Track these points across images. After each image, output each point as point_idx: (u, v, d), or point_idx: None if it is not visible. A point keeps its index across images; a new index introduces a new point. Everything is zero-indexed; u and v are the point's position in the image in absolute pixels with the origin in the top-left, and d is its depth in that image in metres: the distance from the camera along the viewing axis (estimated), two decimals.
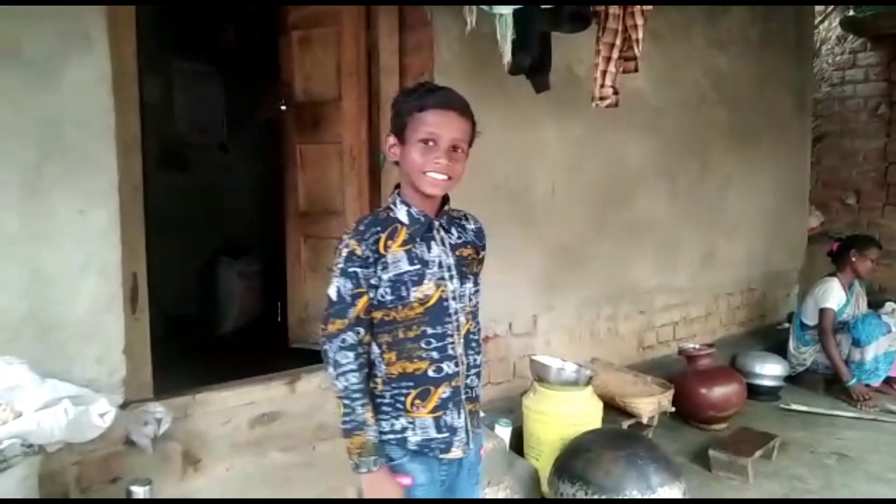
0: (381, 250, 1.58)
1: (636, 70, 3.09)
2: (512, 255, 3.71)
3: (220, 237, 4.79)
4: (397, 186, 1.68)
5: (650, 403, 3.49)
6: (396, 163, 1.65)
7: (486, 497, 2.78)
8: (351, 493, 2.52)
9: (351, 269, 1.57)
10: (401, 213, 1.63)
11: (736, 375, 4.02)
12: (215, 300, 4.63)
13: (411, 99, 1.62)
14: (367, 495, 1.62)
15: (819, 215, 6.37)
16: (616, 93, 3.04)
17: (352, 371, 1.57)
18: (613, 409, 3.47)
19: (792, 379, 4.58)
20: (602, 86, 3.01)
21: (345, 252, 1.58)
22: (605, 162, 4.20)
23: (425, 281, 1.60)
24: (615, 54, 3.01)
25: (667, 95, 4.54)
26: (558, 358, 3.26)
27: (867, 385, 4.37)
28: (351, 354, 1.57)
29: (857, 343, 4.36)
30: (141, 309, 2.64)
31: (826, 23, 6.59)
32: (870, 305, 4.79)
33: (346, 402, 1.57)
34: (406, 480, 1.63)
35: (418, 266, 1.60)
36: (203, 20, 4.63)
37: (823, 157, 6.42)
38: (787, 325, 5.10)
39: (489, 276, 3.76)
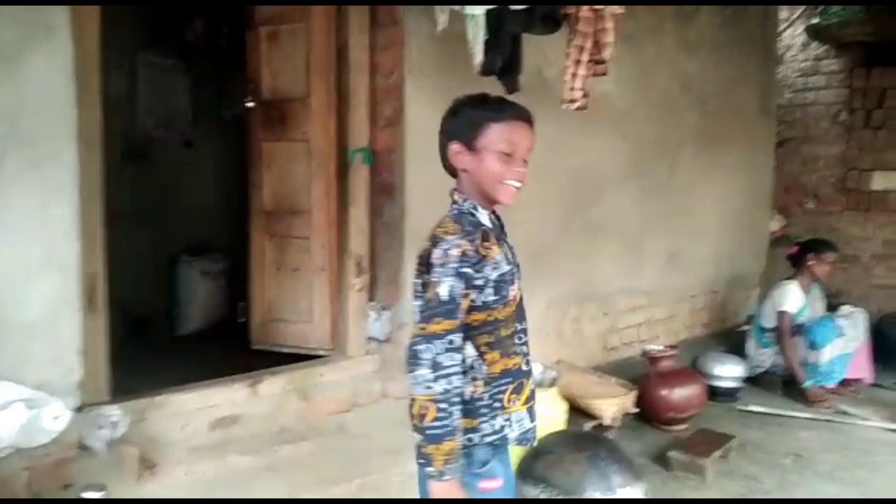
0: (483, 251, 1.60)
1: (605, 74, 3.12)
2: None
3: (184, 235, 4.69)
4: (454, 191, 1.71)
5: (613, 405, 3.53)
6: (452, 170, 1.70)
7: None
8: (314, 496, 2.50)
9: (462, 270, 1.55)
10: (483, 217, 1.68)
11: (697, 377, 4.08)
12: (177, 299, 4.55)
13: (485, 109, 1.65)
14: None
15: (781, 219, 6.49)
16: (585, 96, 3.06)
17: (457, 374, 1.52)
18: (577, 410, 3.50)
19: (751, 380, 4.66)
20: (572, 88, 3.03)
21: (456, 252, 1.55)
22: (573, 163, 4.22)
23: (516, 280, 1.70)
24: (585, 58, 3.02)
25: (636, 98, 4.58)
26: None
27: (822, 387, 4.47)
28: (458, 357, 1.53)
29: (813, 345, 4.46)
30: (99, 308, 2.58)
31: (791, 29, 6.71)
32: (827, 308, 4.90)
33: (444, 405, 1.49)
34: (496, 483, 1.63)
35: (511, 266, 1.68)
36: (170, 14, 4.53)
37: (785, 162, 6.54)
38: (746, 327, 5.20)
39: None
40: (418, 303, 1.62)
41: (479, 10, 2.75)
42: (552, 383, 3.20)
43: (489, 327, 1.62)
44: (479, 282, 1.59)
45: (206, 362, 3.22)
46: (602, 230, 4.50)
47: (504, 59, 3.08)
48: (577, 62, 3.01)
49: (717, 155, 5.32)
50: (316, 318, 3.52)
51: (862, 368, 4.74)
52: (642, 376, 3.96)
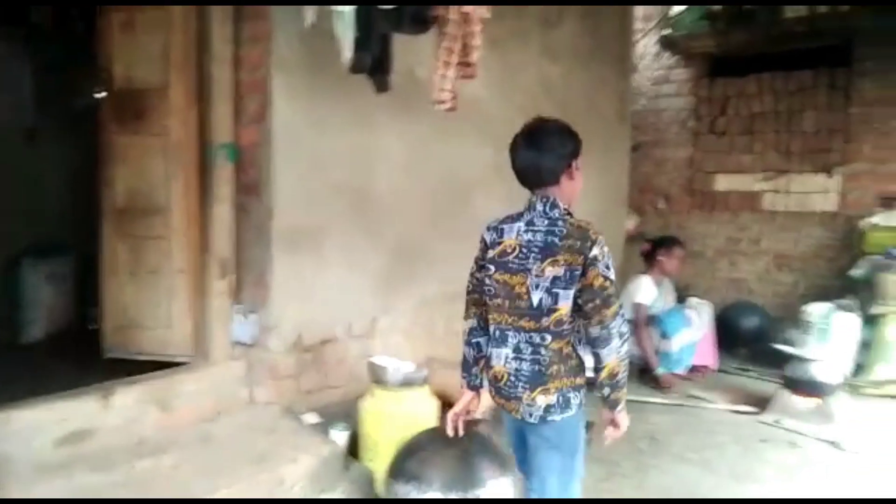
0: None
1: (474, 76, 3.18)
2: (352, 256, 3.68)
3: (27, 235, 4.30)
4: (547, 199, 2.16)
5: (484, 400, 3.60)
6: (549, 182, 2.18)
7: None
8: None
9: None
10: None
11: None
12: (19, 305, 4.15)
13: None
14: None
15: (635, 218, 6.92)
16: (454, 97, 3.10)
17: (629, 339, 2.10)
18: (450, 406, 3.54)
19: None
20: (441, 89, 3.07)
21: (605, 244, 2.05)
22: (444, 164, 4.28)
23: None
24: (454, 59, 3.07)
25: (503, 101, 4.71)
26: (396, 359, 3.28)
27: (673, 373, 4.83)
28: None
29: (664, 335, 4.81)
30: None
31: (645, 40, 7.18)
32: (677, 300, 5.30)
33: (625, 362, 2.05)
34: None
35: None
36: None
37: (639, 165, 6.97)
38: None
39: (328, 279, 3.72)
40: (570, 290, 2.02)
41: (346, 8, 2.71)
42: (424, 382, 3.22)
43: None
44: None
45: (53, 373, 2.99)
46: (473, 229, 4.55)
47: (374, 57, 3.07)
48: (447, 63, 3.05)
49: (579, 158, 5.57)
50: (176, 322, 3.34)
51: (708, 355, 5.18)
52: None
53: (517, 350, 2.09)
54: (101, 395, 2.78)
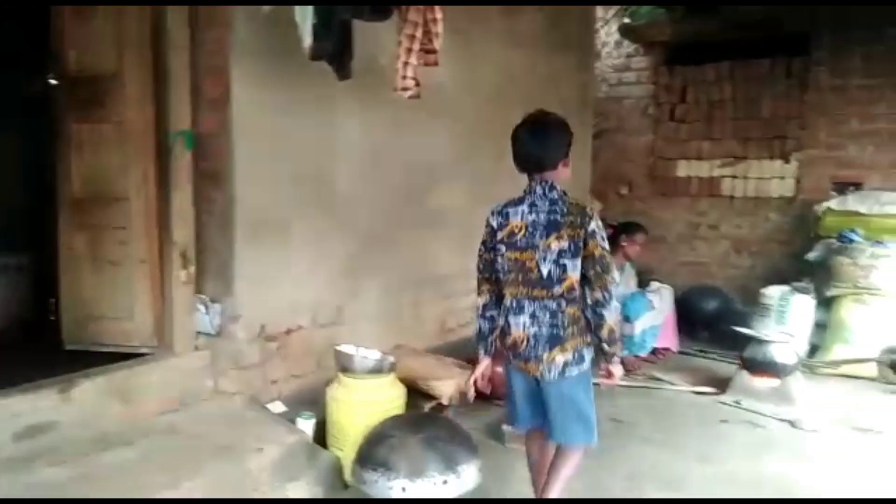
0: None
1: (436, 63, 3.17)
2: (316, 244, 3.66)
3: None
4: (547, 183, 2.45)
5: (450, 385, 3.64)
6: (548, 168, 2.46)
7: None
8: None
9: None
10: None
11: None
12: None
13: None
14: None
15: (598, 204, 7.01)
16: (418, 84, 3.10)
17: None
18: (418, 392, 3.57)
19: None
20: (404, 77, 3.06)
21: (599, 219, 2.37)
22: (408, 150, 4.27)
23: None
24: (416, 46, 3.06)
25: (467, 88, 4.71)
26: (362, 347, 3.28)
27: (636, 356, 4.92)
28: None
29: (626, 319, 4.88)
30: None
31: (606, 27, 7.23)
32: (638, 285, 5.38)
33: (620, 321, 2.48)
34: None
35: None
36: None
37: (602, 152, 7.04)
38: None
39: (293, 267, 3.69)
40: (576, 260, 2.33)
41: None
42: (391, 369, 3.23)
43: None
44: None
45: (10, 366, 2.88)
46: (438, 216, 4.59)
47: (334, 44, 3.04)
48: (409, 50, 3.04)
49: None
50: (137, 313, 3.28)
51: (669, 338, 5.29)
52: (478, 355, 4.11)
53: (533, 316, 2.38)
54: (60, 387, 2.72)
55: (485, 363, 2.60)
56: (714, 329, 5.74)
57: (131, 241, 3.26)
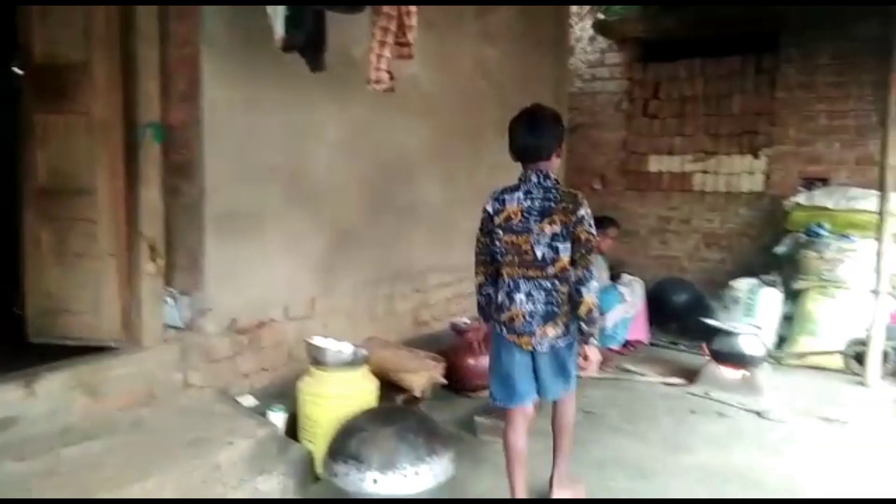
0: None
1: (411, 57, 3.16)
2: (289, 237, 3.64)
3: None
4: (541, 172, 2.60)
5: (422, 377, 3.65)
6: (543, 158, 2.61)
7: None
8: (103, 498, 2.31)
9: None
10: None
11: None
12: None
13: None
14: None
15: None
16: (392, 77, 3.09)
17: None
18: (390, 384, 3.57)
19: None
20: (377, 69, 3.04)
21: (588, 206, 2.56)
22: (382, 145, 4.26)
23: None
24: (390, 39, 3.05)
25: (441, 83, 4.71)
26: (334, 339, 3.27)
27: (608, 349, 4.97)
28: None
29: (599, 311, 4.92)
30: None
31: (581, 23, 7.27)
32: (610, 278, 5.43)
33: (598, 302, 2.54)
34: None
35: None
36: None
37: (576, 146, 7.10)
38: None
39: (264, 260, 3.67)
40: (567, 244, 2.52)
41: None
42: (364, 362, 3.23)
43: None
44: None
45: None
46: (412, 210, 4.59)
47: (307, 36, 3.02)
48: (382, 43, 3.03)
49: None
50: (104, 307, 3.22)
51: (640, 330, 5.34)
52: (450, 348, 4.13)
53: (529, 295, 2.59)
54: (24, 381, 2.67)
55: (486, 327, 2.85)
56: (684, 321, 5.82)
57: (99, 234, 3.20)
